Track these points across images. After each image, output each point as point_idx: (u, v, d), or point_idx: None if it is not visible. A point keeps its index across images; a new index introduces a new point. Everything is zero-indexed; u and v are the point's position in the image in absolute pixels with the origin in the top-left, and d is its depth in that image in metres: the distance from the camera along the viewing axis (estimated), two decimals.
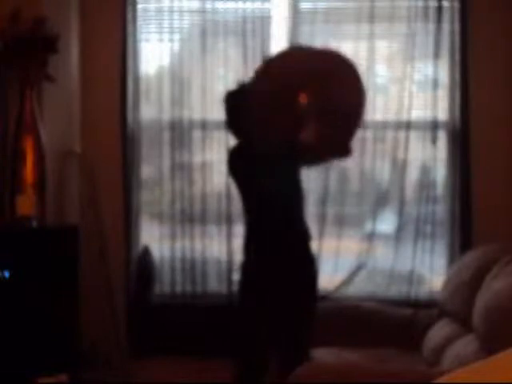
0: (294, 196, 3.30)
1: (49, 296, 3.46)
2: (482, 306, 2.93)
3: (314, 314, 3.31)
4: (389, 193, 4.29)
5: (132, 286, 4.26)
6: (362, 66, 4.22)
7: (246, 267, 3.32)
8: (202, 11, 4.27)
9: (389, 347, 3.62)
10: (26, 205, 3.57)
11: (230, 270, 4.20)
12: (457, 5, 4.19)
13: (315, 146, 3.12)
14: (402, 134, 4.24)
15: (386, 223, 4.34)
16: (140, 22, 4.31)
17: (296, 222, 3.29)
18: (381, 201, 4.31)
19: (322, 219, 4.22)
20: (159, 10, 4.31)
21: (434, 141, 4.23)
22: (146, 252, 4.29)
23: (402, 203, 4.26)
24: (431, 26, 4.21)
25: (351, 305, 4.03)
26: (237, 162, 3.38)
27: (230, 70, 4.24)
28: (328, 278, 4.21)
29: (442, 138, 4.28)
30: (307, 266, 3.30)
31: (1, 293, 3.40)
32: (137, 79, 4.30)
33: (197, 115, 4.26)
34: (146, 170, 4.40)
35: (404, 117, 4.22)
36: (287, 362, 3.16)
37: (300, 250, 3.29)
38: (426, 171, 4.27)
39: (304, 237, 3.30)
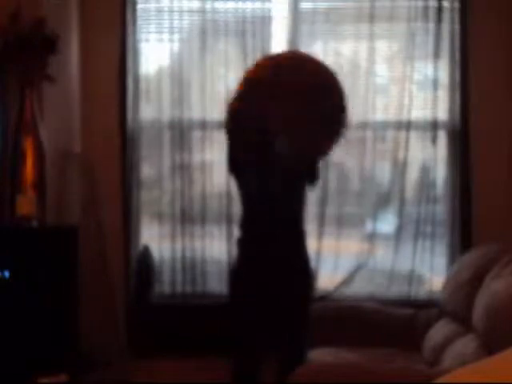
0: (295, 195, 3.30)
1: (49, 296, 3.46)
2: (482, 306, 2.93)
3: (311, 314, 3.30)
4: (389, 193, 4.29)
5: (132, 286, 4.26)
6: (362, 66, 4.25)
7: (239, 266, 3.31)
8: (202, 11, 4.27)
9: (389, 347, 3.62)
10: (25, 205, 3.57)
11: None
12: (457, 5, 4.19)
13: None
14: (402, 134, 4.24)
15: (386, 223, 4.34)
16: (140, 22, 4.31)
17: (294, 221, 3.28)
18: (381, 201, 4.31)
19: (321, 219, 4.22)
20: (159, 10, 4.31)
21: (433, 141, 4.24)
22: (146, 252, 4.29)
23: (402, 203, 4.26)
24: (431, 26, 4.21)
25: (351, 305, 4.03)
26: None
27: (230, 70, 4.24)
28: (328, 278, 4.22)
29: (442, 138, 4.27)
30: (303, 265, 3.29)
31: (1, 293, 3.40)
32: (137, 79, 4.30)
33: (197, 115, 4.26)
34: (146, 170, 4.40)
35: (404, 117, 4.22)
36: (287, 361, 3.16)
37: (296, 249, 3.28)
38: (426, 171, 4.27)
39: (301, 237, 3.29)
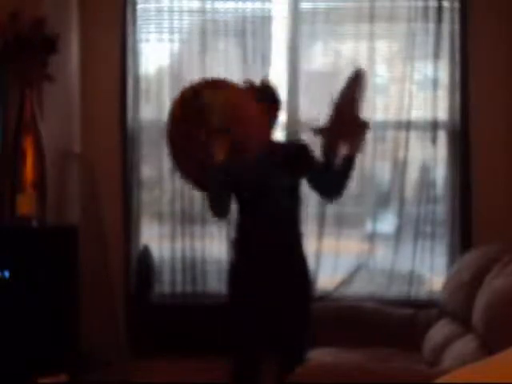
0: (293, 198, 3.29)
1: (49, 296, 3.46)
2: (482, 306, 2.93)
3: (311, 315, 3.30)
4: (389, 193, 4.29)
5: (132, 286, 4.26)
6: (362, 66, 4.24)
7: (237, 267, 3.31)
8: (202, 11, 4.27)
9: (389, 347, 3.62)
10: (26, 204, 3.57)
11: None
12: (457, 5, 4.19)
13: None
14: (402, 134, 4.24)
15: (386, 223, 4.34)
16: (140, 22, 4.31)
17: (293, 223, 3.28)
18: (381, 201, 4.31)
19: (321, 219, 4.22)
20: (159, 10, 4.31)
21: (433, 141, 4.24)
22: (146, 252, 4.29)
23: (402, 203, 4.26)
24: (431, 26, 4.21)
25: (351, 305, 4.03)
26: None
27: (230, 70, 4.24)
28: (328, 278, 4.21)
29: (442, 137, 4.28)
30: (302, 266, 3.29)
31: (1, 293, 3.40)
32: (137, 79, 4.30)
33: None
34: (146, 170, 4.40)
35: (404, 117, 4.22)
36: (287, 362, 3.16)
37: (295, 250, 3.28)
38: (425, 171, 4.27)
39: (299, 238, 3.29)
